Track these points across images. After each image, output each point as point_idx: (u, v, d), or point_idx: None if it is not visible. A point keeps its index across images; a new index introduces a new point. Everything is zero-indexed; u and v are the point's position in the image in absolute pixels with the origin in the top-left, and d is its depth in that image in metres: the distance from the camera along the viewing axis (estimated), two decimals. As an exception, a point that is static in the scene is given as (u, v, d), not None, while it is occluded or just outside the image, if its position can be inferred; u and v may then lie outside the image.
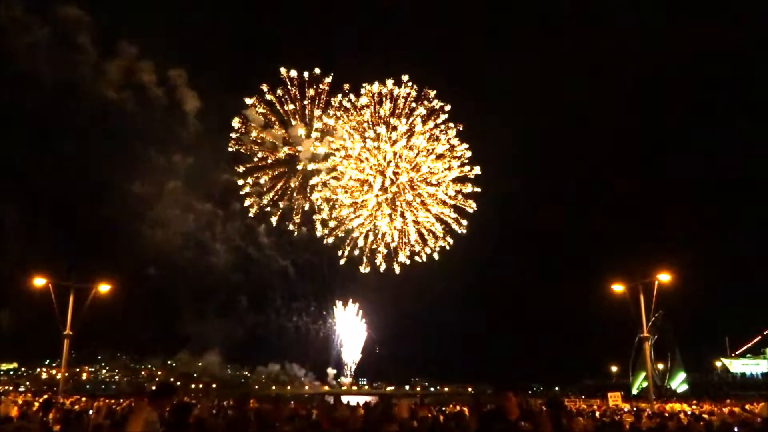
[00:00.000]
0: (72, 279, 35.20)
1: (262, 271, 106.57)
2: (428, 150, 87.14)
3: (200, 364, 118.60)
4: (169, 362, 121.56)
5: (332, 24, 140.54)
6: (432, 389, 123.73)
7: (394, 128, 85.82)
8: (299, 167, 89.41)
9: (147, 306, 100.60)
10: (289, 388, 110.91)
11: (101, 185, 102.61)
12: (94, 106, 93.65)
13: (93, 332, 34.85)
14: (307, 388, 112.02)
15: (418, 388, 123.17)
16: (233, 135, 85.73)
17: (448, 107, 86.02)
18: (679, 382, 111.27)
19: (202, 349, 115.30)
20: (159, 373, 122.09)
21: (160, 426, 8.76)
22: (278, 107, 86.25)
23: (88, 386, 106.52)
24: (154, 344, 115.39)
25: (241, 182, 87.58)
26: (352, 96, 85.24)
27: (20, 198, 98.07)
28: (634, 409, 34.99)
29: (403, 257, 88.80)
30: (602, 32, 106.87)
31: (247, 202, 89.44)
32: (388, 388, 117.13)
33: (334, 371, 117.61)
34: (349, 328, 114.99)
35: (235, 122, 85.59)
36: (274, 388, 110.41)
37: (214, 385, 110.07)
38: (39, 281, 34.41)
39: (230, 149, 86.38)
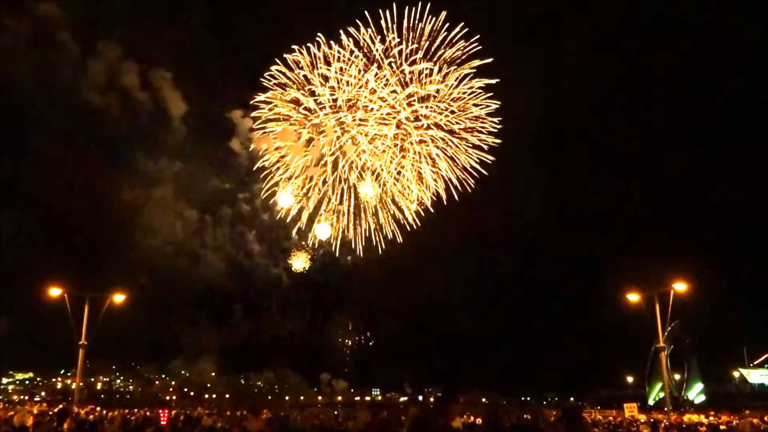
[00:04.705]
0: (87, 289, 35.41)
1: (256, 279, 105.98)
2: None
3: (213, 374, 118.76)
4: (182, 372, 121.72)
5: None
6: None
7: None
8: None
9: (140, 315, 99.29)
10: (302, 398, 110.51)
11: (88, 192, 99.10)
12: (76, 109, 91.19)
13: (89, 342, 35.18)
14: (320, 398, 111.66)
15: (431, 398, 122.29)
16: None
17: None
18: (696, 393, 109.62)
19: (196, 356, 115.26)
20: (173, 383, 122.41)
21: None
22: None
23: (102, 396, 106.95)
24: (148, 353, 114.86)
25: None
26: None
27: (10, 206, 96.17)
28: (651, 420, 34.54)
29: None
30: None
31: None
32: (402, 399, 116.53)
33: (329, 377, 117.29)
34: (348, 334, 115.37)
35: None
36: (288, 398, 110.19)
37: (227, 395, 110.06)
38: (55, 291, 34.51)
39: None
